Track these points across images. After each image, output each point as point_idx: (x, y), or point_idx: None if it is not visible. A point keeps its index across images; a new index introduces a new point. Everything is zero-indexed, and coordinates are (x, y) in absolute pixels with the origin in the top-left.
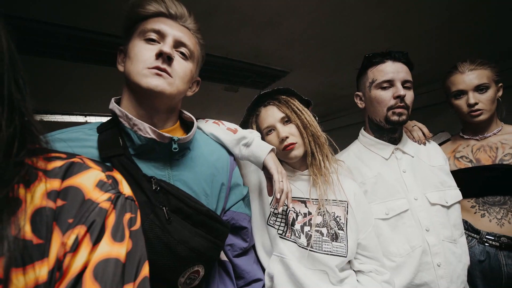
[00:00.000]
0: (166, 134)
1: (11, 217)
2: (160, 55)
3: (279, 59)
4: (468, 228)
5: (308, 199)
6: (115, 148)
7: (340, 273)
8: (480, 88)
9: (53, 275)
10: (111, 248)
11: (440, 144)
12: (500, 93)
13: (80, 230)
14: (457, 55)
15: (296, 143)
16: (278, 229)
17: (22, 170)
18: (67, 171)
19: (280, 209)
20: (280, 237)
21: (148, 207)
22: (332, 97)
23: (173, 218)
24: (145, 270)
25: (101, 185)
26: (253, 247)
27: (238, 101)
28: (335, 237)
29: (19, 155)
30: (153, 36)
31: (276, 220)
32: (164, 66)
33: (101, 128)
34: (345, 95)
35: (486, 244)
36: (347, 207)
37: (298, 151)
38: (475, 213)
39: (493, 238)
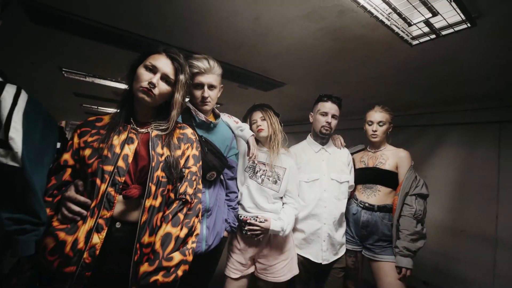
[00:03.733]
0: (209, 119)
1: (172, 138)
2: (203, 97)
3: (280, 74)
4: (356, 199)
5: (265, 163)
6: (189, 122)
7: (273, 199)
8: (380, 123)
9: (182, 154)
10: (196, 151)
11: (356, 152)
12: (390, 129)
13: (188, 144)
14: (390, 95)
15: (264, 129)
16: (249, 174)
17: (174, 127)
18: (181, 127)
19: (251, 163)
20: (250, 178)
21: (200, 146)
22: None
23: (208, 152)
24: (200, 163)
25: (192, 133)
26: (236, 178)
27: (246, 96)
28: (274, 182)
29: (173, 122)
30: (199, 86)
31: (249, 170)
32: (205, 101)
33: (182, 113)
34: None
35: (358, 206)
36: (285, 171)
37: (263, 133)
38: (361, 192)
39: (362, 203)
